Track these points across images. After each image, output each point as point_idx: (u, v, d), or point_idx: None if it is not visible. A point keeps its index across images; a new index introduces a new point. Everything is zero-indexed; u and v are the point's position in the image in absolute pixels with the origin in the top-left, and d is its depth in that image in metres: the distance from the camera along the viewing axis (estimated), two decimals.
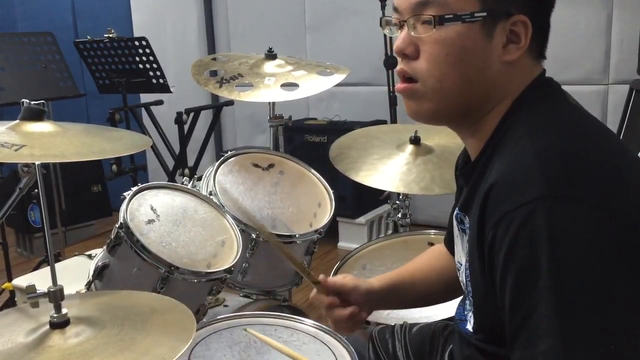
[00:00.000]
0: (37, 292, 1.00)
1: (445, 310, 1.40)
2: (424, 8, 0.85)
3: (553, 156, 0.77)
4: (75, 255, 2.12)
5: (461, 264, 0.97)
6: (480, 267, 0.83)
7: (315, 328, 1.29)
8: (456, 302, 1.10)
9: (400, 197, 2.04)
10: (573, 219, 0.72)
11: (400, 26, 0.90)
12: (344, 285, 1.16)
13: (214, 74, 2.02)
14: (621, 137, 2.54)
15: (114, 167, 3.14)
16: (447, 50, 0.85)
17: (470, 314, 0.95)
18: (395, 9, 0.91)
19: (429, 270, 1.22)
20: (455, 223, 0.98)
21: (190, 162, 3.30)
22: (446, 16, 0.84)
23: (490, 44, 0.85)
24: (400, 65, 0.90)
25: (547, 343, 0.71)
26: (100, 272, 1.41)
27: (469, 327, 0.97)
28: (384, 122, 3.54)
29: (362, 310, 1.17)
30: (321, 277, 1.17)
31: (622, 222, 0.73)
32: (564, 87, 0.92)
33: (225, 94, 1.90)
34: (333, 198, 1.80)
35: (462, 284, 0.98)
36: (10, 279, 2.61)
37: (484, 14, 0.83)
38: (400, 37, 0.89)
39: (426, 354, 1.22)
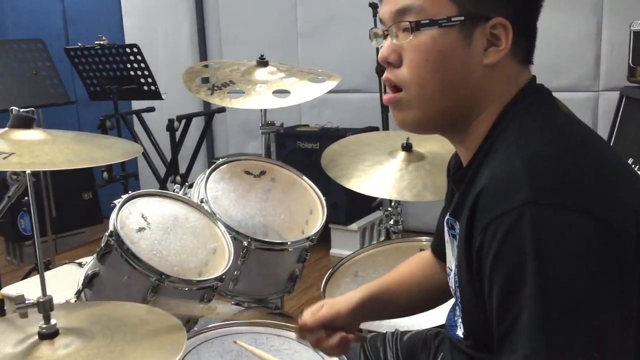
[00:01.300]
0: (26, 302, 0.99)
1: (436, 317, 1.39)
2: (403, 15, 0.86)
3: (541, 163, 0.77)
4: (66, 263, 2.10)
5: (451, 270, 0.97)
6: (468, 272, 0.83)
7: None
8: (447, 309, 1.10)
9: (393, 203, 2.04)
10: (559, 226, 0.72)
11: (385, 36, 0.91)
12: (325, 318, 1.14)
13: (205, 81, 2.02)
14: (611, 144, 2.55)
15: (105, 174, 3.13)
16: (426, 56, 0.85)
17: (460, 319, 0.95)
18: (381, 20, 0.92)
19: (410, 281, 1.21)
20: (446, 228, 0.98)
21: (182, 169, 3.29)
22: (422, 22, 0.84)
23: (470, 47, 0.85)
24: (385, 74, 0.91)
25: (531, 349, 0.71)
26: (90, 281, 1.40)
27: (459, 333, 0.97)
28: (376, 128, 3.55)
29: (349, 330, 1.16)
30: (301, 321, 1.15)
31: (609, 229, 0.73)
32: (554, 94, 0.92)
33: (216, 101, 1.89)
34: (325, 205, 1.80)
35: (451, 290, 0.98)
36: None
37: (461, 18, 0.84)
38: (384, 46, 0.90)
39: None
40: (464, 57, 0.85)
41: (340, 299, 1.18)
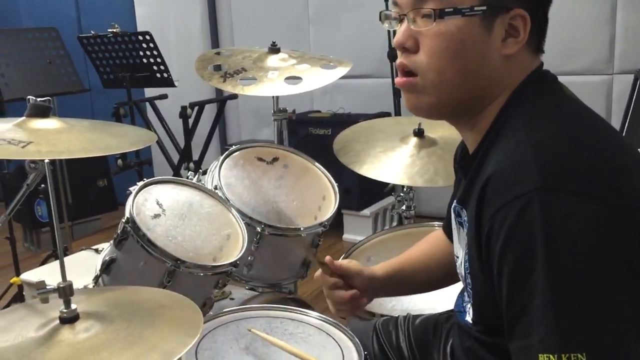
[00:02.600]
0: (47, 287, 1.01)
1: (448, 301, 1.40)
2: (424, 2, 0.86)
3: (549, 149, 0.78)
4: (82, 249, 2.13)
5: (458, 257, 0.98)
6: (478, 259, 0.84)
7: (321, 320, 1.30)
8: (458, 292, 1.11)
9: (405, 189, 2.05)
10: (568, 211, 0.73)
11: (400, 20, 0.90)
12: (348, 269, 1.20)
13: (217, 68, 2.03)
14: (626, 127, 2.53)
15: (120, 161, 3.16)
16: (446, 44, 0.86)
17: (469, 305, 0.97)
18: (395, 3, 0.92)
19: (428, 257, 1.24)
20: (453, 215, 0.99)
21: (195, 155, 3.31)
22: (446, 10, 0.84)
23: (490, 37, 0.85)
24: (400, 59, 0.91)
25: (543, 333, 0.72)
26: (107, 267, 1.42)
27: (469, 318, 0.98)
28: (388, 114, 3.55)
29: (363, 295, 1.20)
30: (327, 258, 1.20)
31: (617, 214, 0.73)
32: (568, 78, 0.92)
33: (229, 88, 1.90)
34: (337, 191, 1.81)
35: (460, 276, 0.99)
36: (18, 274, 2.63)
37: (484, 7, 0.84)
38: (400, 31, 0.90)
39: (429, 345, 1.24)
40: (484, 46, 0.86)
41: (366, 267, 1.23)
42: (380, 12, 0.96)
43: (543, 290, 0.72)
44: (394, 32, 0.93)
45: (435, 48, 0.87)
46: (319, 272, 1.22)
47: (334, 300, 1.21)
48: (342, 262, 1.22)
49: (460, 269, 0.98)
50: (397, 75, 0.93)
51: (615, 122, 2.96)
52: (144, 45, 3.04)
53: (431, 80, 0.88)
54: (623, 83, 3.07)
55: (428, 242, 1.27)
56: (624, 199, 0.75)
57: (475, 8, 0.84)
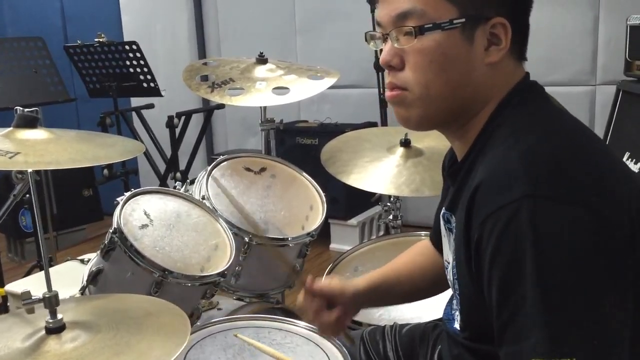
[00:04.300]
0: (33, 298, 1.01)
1: (435, 310, 1.42)
2: (404, 20, 0.88)
3: (536, 157, 0.79)
4: (68, 260, 2.12)
5: (448, 262, 0.99)
6: (467, 265, 0.86)
7: (308, 330, 1.31)
8: (445, 302, 1.12)
9: (392, 199, 2.06)
10: (556, 218, 0.74)
11: (384, 39, 0.92)
12: (330, 290, 1.20)
13: (205, 78, 2.03)
14: (608, 138, 2.57)
15: (105, 171, 3.14)
16: (429, 58, 0.88)
17: (457, 312, 0.98)
18: (378, 23, 0.94)
19: (413, 267, 1.25)
20: (442, 222, 1.01)
21: (182, 165, 3.30)
22: (425, 26, 0.86)
23: (472, 47, 0.87)
24: (388, 78, 0.93)
25: (533, 338, 0.73)
26: (94, 277, 1.42)
27: (457, 325, 0.99)
28: (374, 124, 3.57)
29: (349, 311, 1.21)
30: (308, 280, 1.20)
31: (604, 221, 0.75)
32: (551, 88, 0.95)
33: (217, 98, 1.90)
34: (325, 201, 1.82)
35: (449, 282, 1.00)
36: (2, 285, 2.60)
37: (463, 20, 0.86)
38: (385, 50, 0.92)
39: (416, 354, 1.24)
40: (467, 57, 0.87)
41: (348, 282, 1.23)
42: (366, 33, 0.98)
43: (533, 296, 0.73)
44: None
45: (419, 64, 0.89)
46: (301, 297, 1.23)
47: (320, 323, 1.22)
48: (323, 284, 1.21)
49: (449, 275, 0.99)
50: (384, 91, 0.95)
51: (598, 133, 2.98)
52: (131, 55, 3.04)
53: (419, 94, 0.90)
54: (605, 94, 3.11)
55: (413, 252, 1.28)
56: (611, 206, 0.76)
57: (455, 21, 0.86)
